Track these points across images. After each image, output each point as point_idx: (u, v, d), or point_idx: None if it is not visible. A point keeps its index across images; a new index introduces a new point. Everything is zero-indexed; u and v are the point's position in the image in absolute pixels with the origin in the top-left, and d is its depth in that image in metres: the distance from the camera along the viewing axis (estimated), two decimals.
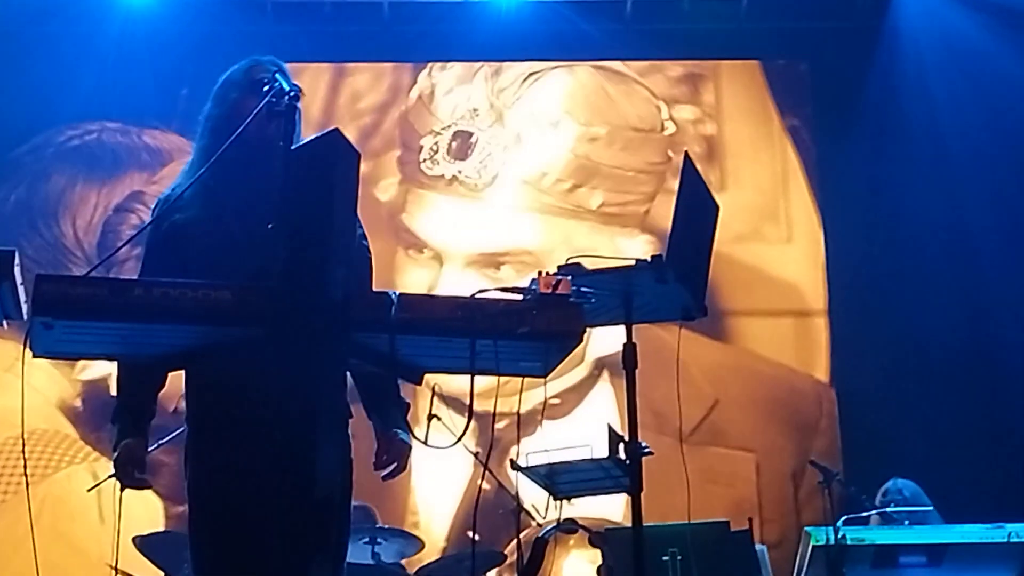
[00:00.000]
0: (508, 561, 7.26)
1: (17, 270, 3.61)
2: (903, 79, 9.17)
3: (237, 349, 3.64)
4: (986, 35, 8.91)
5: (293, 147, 3.59)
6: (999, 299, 8.68)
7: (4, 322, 3.80)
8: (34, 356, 3.67)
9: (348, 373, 4.16)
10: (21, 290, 3.66)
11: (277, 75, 3.82)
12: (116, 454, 4.04)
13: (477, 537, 6.07)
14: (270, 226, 3.56)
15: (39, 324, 3.46)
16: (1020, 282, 8.53)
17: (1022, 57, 8.76)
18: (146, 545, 7.09)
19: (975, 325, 8.76)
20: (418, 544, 7.26)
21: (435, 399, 4.96)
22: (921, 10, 9.11)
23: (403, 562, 7.16)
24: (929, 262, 8.86)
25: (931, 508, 7.03)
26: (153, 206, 4.28)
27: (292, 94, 3.67)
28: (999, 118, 8.85)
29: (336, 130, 3.60)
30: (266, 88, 3.76)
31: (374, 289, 4.10)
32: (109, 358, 4.06)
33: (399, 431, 4.27)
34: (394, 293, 3.58)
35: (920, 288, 8.79)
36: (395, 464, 4.25)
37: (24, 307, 3.67)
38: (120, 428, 4.05)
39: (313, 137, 3.61)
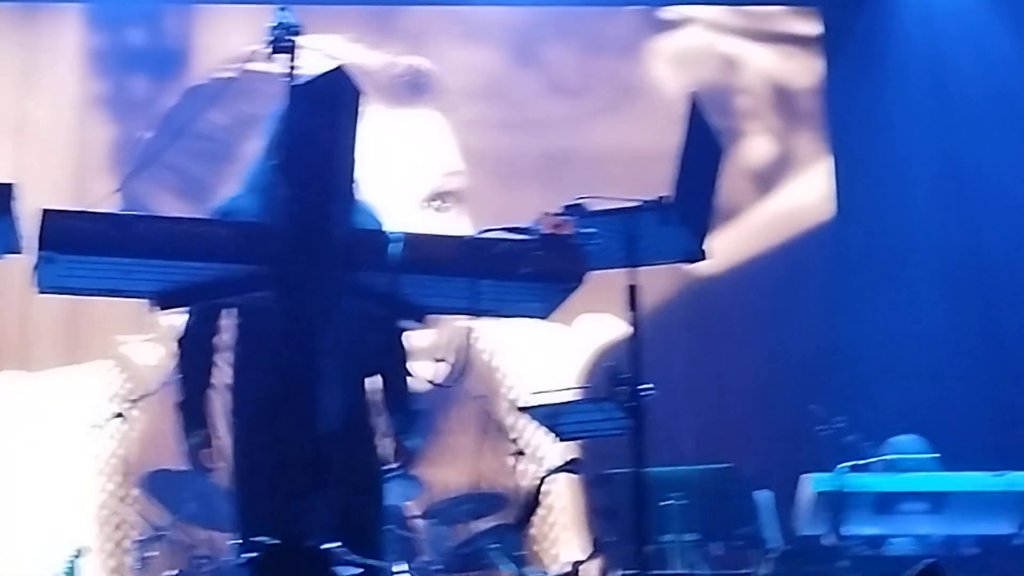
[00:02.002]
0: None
1: (15, 204, 3.59)
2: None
3: (241, 285, 3.66)
4: None
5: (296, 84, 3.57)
6: (1000, 255, 8.67)
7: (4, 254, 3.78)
8: (39, 291, 3.70)
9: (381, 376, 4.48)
10: (23, 222, 3.65)
11: (280, 12, 3.79)
12: (190, 442, 4.40)
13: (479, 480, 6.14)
14: (272, 163, 3.54)
15: (43, 258, 3.47)
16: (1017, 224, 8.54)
17: None
18: (152, 482, 7.10)
19: (978, 284, 8.75)
20: (420, 486, 7.28)
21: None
22: None
23: (406, 504, 7.17)
24: (928, 203, 8.85)
25: (934, 457, 7.03)
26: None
27: (295, 28, 3.65)
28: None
29: (340, 67, 3.59)
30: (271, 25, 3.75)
31: None
32: (113, 293, 4.07)
33: (409, 438, 4.52)
34: (396, 232, 3.58)
35: (918, 240, 8.79)
36: (404, 468, 4.63)
37: (22, 241, 3.65)
38: (188, 417, 4.38)
39: (317, 74, 3.59)
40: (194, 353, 4.41)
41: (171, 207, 7.84)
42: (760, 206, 9.21)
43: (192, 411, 4.39)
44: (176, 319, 4.40)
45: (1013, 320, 8.53)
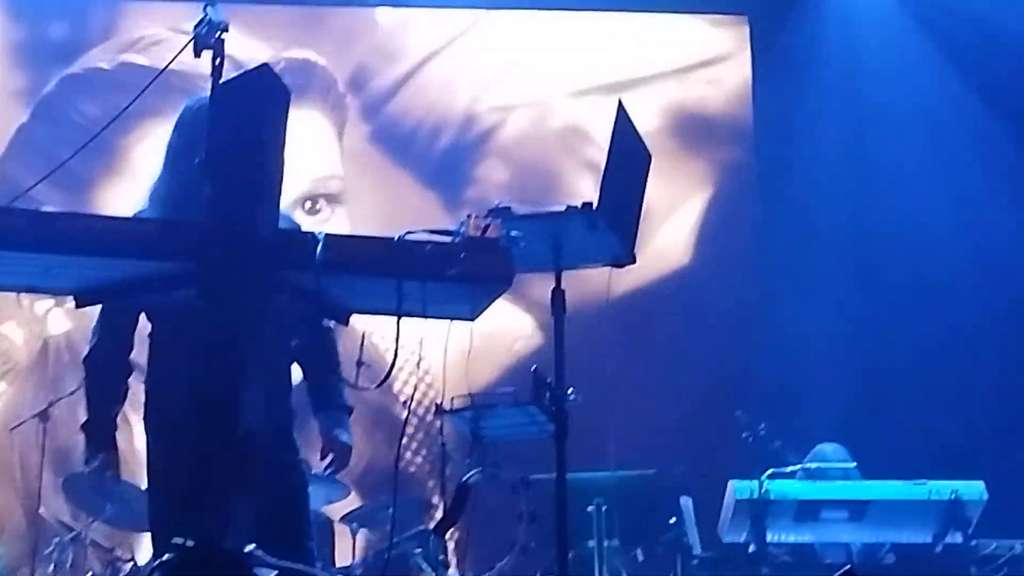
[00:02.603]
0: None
1: None
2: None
3: (165, 283, 3.63)
4: None
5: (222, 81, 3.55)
6: (917, 263, 8.78)
7: None
8: None
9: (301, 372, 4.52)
10: None
11: (207, 8, 3.75)
12: (93, 465, 4.38)
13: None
14: (197, 161, 3.51)
15: None
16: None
17: None
18: (71, 485, 7.05)
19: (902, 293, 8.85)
20: (344, 490, 7.25)
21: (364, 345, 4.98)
22: None
23: (328, 508, 7.14)
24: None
25: (854, 465, 7.09)
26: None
27: (223, 25, 3.61)
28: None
29: (266, 65, 3.56)
30: (196, 23, 3.71)
31: None
32: (31, 290, 4.04)
33: (342, 432, 4.51)
34: (321, 232, 3.57)
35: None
36: (337, 464, 4.57)
37: None
38: (94, 439, 4.38)
39: (243, 72, 3.56)
40: (102, 373, 4.39)
41: (43, 195, 7.79)
42: (689, 212, 9.28)
43: (97, 433, 4.37)
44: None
45: (932, 329, 8.62)
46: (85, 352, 4.39)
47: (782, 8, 9.47)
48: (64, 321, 8.32)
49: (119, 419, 4.40)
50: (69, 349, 8.22)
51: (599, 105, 8.97)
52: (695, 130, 9.45)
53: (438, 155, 9.12)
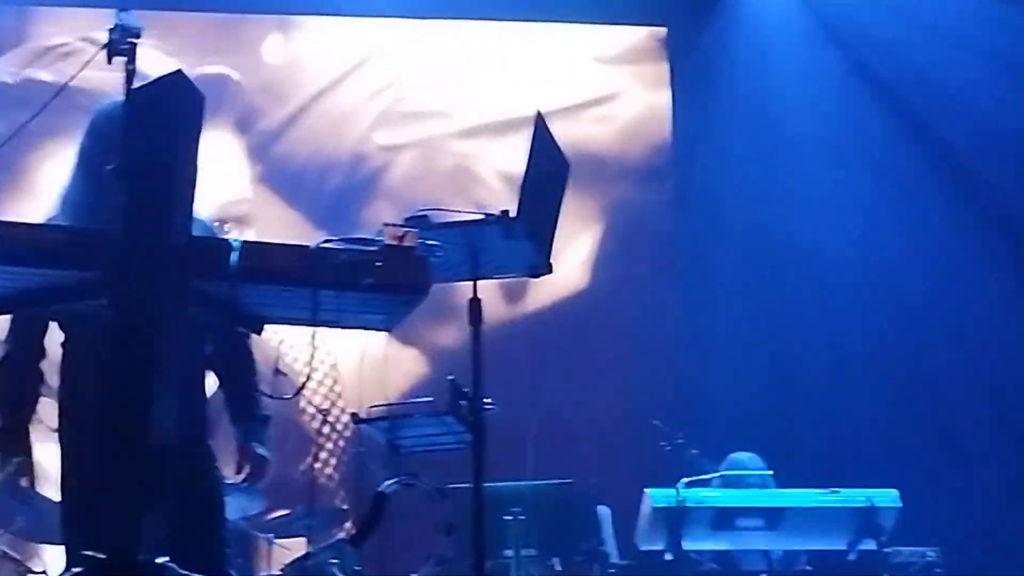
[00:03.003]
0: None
1: None
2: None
3: (75, 292, 3.58)
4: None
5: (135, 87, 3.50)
6: (836, 286, 8.87)
7: None
8: None
9: (217, 381, 4.47)
10: None
11: (120, 14, 3.71)
12: (7, 472, 4.33)
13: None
14: (109, 168, 3.47)
15: None
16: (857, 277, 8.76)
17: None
18: None
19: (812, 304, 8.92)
20: (261, 501, 7.20)
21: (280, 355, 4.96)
22: None
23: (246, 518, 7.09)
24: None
25: (770, 474, 7.14)
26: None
27: (135, 32, 3.57)
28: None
29: (180, 71, 3.52)
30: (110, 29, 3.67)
31: None
32: None
33: (259, 445, 4.47)
34: (236, 240, 3.53)
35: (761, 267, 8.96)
36: (253, 477, 4.54)
37: None
38: (6, 444, 4.32)
39: (157, 77, 3.52)
40: (14, 381, 4.35)
41: None
42: (604, 228, 9.31)
43: (10, 440, 4.33)
44: None
45: (845, 338, 8.69)
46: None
47: (704, 23, 9.52)
48: None
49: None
50: None
51: (490, 142, 9.02)
52: (611, 150, 9.48)
53: (327, 196, 9.07)
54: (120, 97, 3.49)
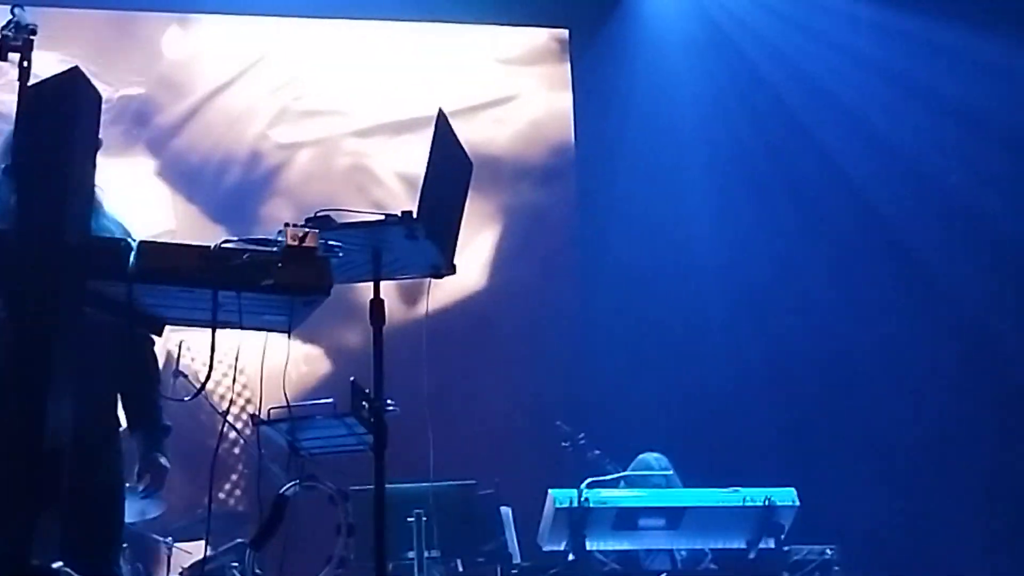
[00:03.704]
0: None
1: None
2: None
3: None
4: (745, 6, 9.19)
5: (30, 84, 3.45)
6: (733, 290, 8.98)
7: None
8: None
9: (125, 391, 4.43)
10: None
11: (15, 10, 3.65)
12: None
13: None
14: (2, 167, 3.41)
15: None
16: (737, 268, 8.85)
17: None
18: None
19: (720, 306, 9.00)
20: (160, 504, 7.12)
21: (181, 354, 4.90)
22: None
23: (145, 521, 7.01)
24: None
25: (672, 473, 7.18)
26: None
27: (30, 28, 3.52)
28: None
29: (76, 68, 3.48)
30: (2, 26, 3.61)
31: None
32: None
33: (159, 455, 4.49)
34: (134, 240, 3.50)
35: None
36: (153, 486, 4.57)
37: None
38: None
39: (53, 75, 3.47)
40: None
41: None
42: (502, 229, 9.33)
43: None
44: None
45: (744, 338, 8.77)
46: None
47: (601, 26, 9.57)
48: None
49: None
50: None
51: (391, 142, 9.03)
52: (513, 150, 9.50)
53: (225, 192, 9.00)
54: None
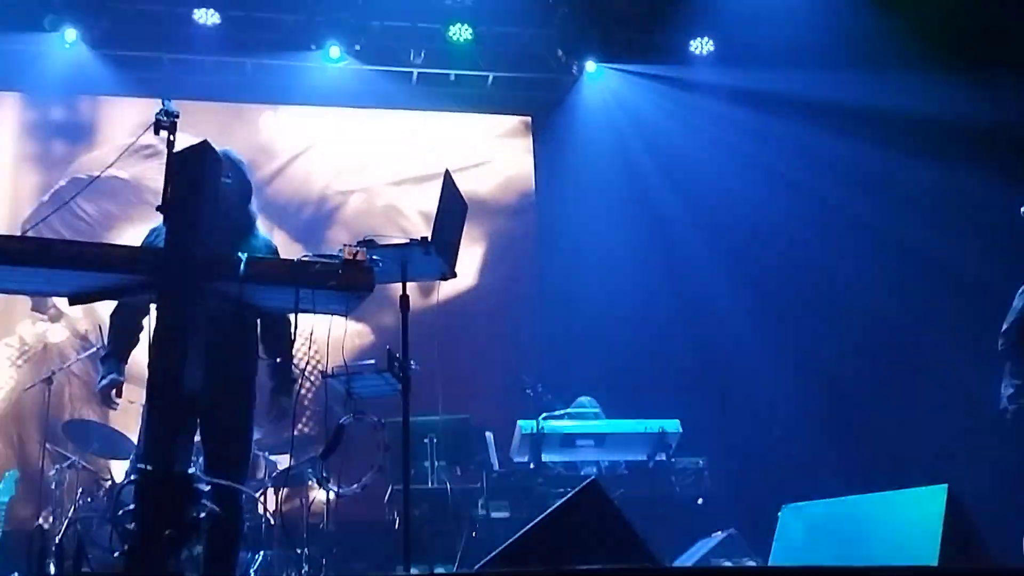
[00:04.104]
0: None
1: None
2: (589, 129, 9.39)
3: (134, 289, 3.52)
4: (648, 98, 9.18)
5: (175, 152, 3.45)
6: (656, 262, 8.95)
7: None
8: None
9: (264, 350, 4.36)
10: None
11: (165, 102, 3.64)
12: (103, 383, 4.24)
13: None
14: (157, 208, 3.41)
15: None
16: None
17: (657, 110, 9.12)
18: (70, 428, 6.85)
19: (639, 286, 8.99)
20: (260, 430, 7.07)
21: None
22: (604, 84, 9.31)
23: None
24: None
25: (599, 410, 7.20)
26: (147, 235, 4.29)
27: (175, 114, 3.52)
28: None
29: (205, 141, 3.47)
30: (157, 110, 3.61)
31: None
32: (38, 293, 3.90)
33: (285, 397, 4.40)
34: (245, 256, 3.50)
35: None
36: (277, 419, 4.45)
37: None
38: (107, 366, 4.25)
39: (189, 146, 3.47)
40: (119, 323, 4.27)
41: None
42: (486, 246, 9.32)
43: (112, 361, 4.24)
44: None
45: (652, 318, 8.73)
46: (113, 309, 4.29)
47: (556, 113, 9.56)
48: (58, 333, 8.09)
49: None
50: (59, 352, 7.97)
51: (412, 190, 8.98)
52: (493, 195, 9.50)
53: (302, 222, 8.94)
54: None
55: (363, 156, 9.22)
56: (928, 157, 7.62)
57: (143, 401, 3.48)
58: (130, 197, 8.11)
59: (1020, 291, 5.25)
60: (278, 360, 4.47)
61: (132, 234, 4.01)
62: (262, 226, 4.53)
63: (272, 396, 4.44)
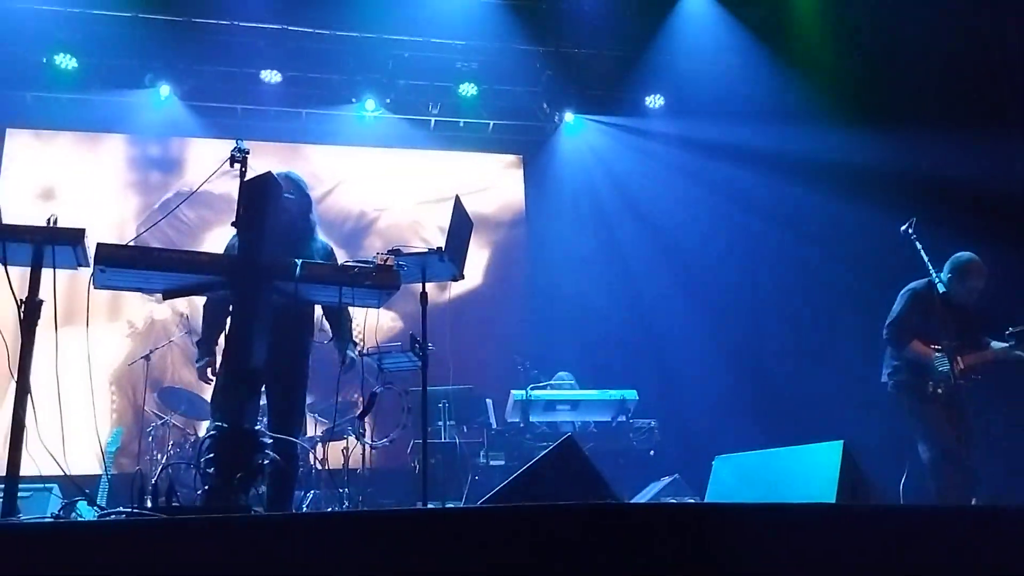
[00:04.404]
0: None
1: (85, 239, 3.35)
2: (569, 168, 9.36)
3: (215, 286, 3.51)
4: (614, 143, 9.16)
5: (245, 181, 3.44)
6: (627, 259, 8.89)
7: (78, 267, 3.52)
8: (95, 288, 3.46)
9: (325, 319, 4.31)
10: (89, 250, 3.40)
11: (238, 141, 3.63)
12: (199, 364, 4.23)
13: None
14: (231, 224, 3.40)
15: (98, 269, 3.27)
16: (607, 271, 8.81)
17: (627, 153, 9.07)
18: (163, 394, 6.82)
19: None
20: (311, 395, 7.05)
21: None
22: (579, 131, 9.28)
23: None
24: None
25: (574, 382, 7.19)
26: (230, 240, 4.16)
27: (246, 151, 3.51)
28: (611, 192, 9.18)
29: (269, 172, 3.47)
30: (232, 148, 3.60)
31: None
32: (137, 290, 3.86)
33: (349, 352, 4.41)
34: (299, 261, 3.49)
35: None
36: (347, 368, 4.44)
37: (90, 259, 3.40)
38: (202, 351, 4.23)
39: (255, 175, 3.46)
40: (211, 313, 4.24)
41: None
42: (489, 254, 9.30)
43: (206, 346, 4.22)
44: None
45: (611, 314, 8.69)
46: (206, 301, 4.24)
47: (542, 153, 9.54)
48: (162, 311, 8.02)
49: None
50: (163, 327, 7.92)
51: (430, 210, 8.93)
52: (493, 215, 9.48)
53: (345, 233, 8.89)
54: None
55: (392, 184, 9.19)
56: (831, 195, 7.59)
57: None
58: (221, 206, 8.10)
59: (901, 293, 5.26)
60: (337, 330, 4.46)
61: (220, 233, 3.97)
62: (321, 232, 4.49)
63: (339, 355, 4.46)
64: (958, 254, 5.15)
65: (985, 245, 5.34)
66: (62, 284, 3.34)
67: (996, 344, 5.03)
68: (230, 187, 3.51)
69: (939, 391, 4.89)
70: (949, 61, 6.78)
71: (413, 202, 9.17)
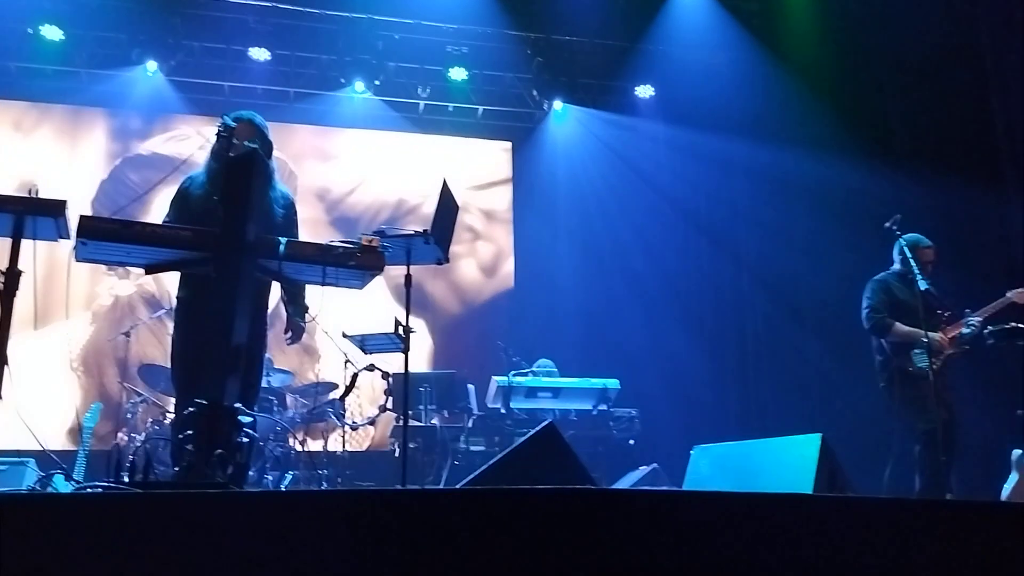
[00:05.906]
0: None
1: (67, 211, 3.31)
2: (559, 158, 9.35)
3: (196, 263, 3.48)
4: (602, 132, 9.14)
5: (231, 155, 3.41)
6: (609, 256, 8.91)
7: (59, 239, 3.48)
8: (77, 261, 3.43)
9: (280, 286, 4.05)
10: (70, 222, 3.36)
11: (225, 117, 3.60)
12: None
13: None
14: (215, 198, 3.37)
15: (79, 242, 3.24)
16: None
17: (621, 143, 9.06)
18: (143, 371, 6.77)
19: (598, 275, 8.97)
20: (292, 377, 7.01)
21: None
22: (568, 120, 9.26)
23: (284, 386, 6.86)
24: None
25: (555, 369, 7.19)
26: (182, 181, 4.02)
27: (232, 126, 3.47)
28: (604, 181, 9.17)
29: (255, 149, 3.44)
30: (218, 123, 3.57)
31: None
32: (120, 264, 3.83)
33: (300, 320, 4.20)
34: (283, 239, 3.47)
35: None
36: (295, 338, 4.23)
37: (72, 232, 3.37)
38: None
39: (241, 153, 3.43)
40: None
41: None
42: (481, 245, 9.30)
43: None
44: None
45: (590, 306, 8.71)
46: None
47: (530, 140, 9.50)
48: (126, 288, 7.96)
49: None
50: (128, 304, 7.88)
51: (416, 191, 8.87)
52: (479, 201, 9.45)
53: (373, 218, 8.77)
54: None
55: (381, 165, 9.12)
56: (818, 190, 7.61)
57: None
58: (164, 166, 7.93)
59: (866, 286, 5.36)
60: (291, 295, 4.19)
61: (167, 194, 3.83)
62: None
63: (288, 320, 4.22)
64: (903, 236, 5.23)
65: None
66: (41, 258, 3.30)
67: (971, 317, 5.14)
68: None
69: (933, 367, 4.95)
70: (936, 45, 6.80)
71: (401, 183, 9.11)
